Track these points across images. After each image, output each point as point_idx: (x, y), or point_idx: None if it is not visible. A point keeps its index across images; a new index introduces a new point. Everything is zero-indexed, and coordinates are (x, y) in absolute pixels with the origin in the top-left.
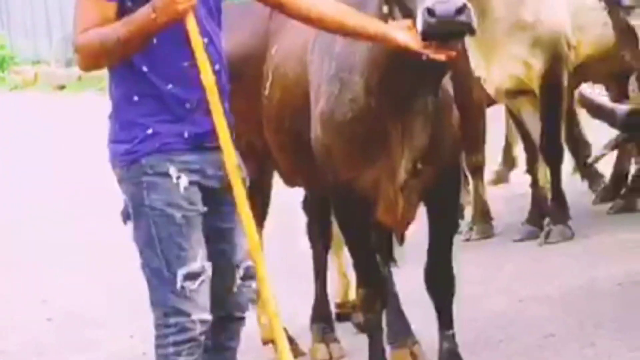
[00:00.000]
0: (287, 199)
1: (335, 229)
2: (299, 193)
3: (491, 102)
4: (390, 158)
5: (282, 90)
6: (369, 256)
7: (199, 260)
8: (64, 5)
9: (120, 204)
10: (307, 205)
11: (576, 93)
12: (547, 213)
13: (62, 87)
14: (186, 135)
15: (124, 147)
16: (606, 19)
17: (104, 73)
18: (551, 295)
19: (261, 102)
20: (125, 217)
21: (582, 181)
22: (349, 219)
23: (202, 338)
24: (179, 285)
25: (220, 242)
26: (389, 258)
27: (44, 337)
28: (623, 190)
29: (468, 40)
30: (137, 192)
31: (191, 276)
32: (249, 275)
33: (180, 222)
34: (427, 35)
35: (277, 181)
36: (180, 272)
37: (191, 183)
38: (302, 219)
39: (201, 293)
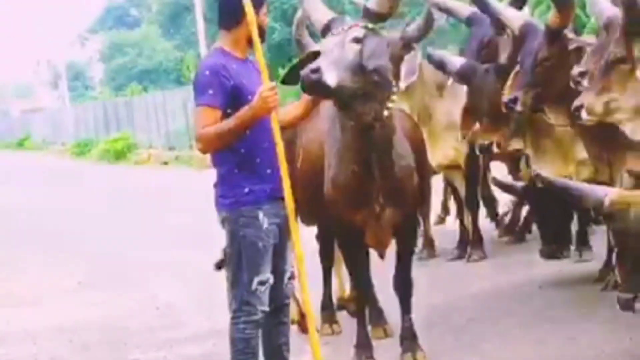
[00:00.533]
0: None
1: (336, 252)
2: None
3: (434, 172)
4: (373, 203)
5: (308, 163)
6: (361, 268)
7: (267, 273)
8: (168, 111)
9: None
10: (319, 238)
11: (489, 176)
12: (470, 242)
13: (166, 163)
14: (268, 190)
15: (229, 200)
16: None
17: (195, 154)
18: (475, 295)
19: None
20: (218, 266)
21: (491, 222)
22: (348, 244)
23: (262, 321)
24: (254, 287)
25: (277, 257)
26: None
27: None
28: (517, 227)
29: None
30: (236, 227)
31: (262, 282)
32: (291, 277)
33: (260, 248)
34: (303, 91)
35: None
36: (256, 280)
37: (270, 224)
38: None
39: (265, 294)
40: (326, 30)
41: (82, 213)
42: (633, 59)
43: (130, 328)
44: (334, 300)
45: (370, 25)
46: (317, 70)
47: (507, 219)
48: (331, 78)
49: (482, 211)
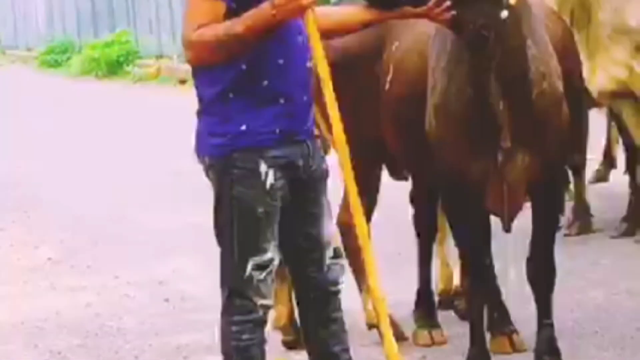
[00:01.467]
0: (395, 193)
1: (441, 220)
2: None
3: (594, 103)
4: (498, 145)
5: (403, 84)
6: (476, 246)
7: (269, 253)
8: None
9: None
10: (415, 198)
11: None
12: None
13: (183, 82)
14: (278, 131)
15: (218, 141)
16: None
17: None
18: None
19: (375, 95)
20: None
21: None
22: (459, 208)
23: (266, 319)
24: (247, 273)
25: (308, 226)
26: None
27: (161, 318)
28: None
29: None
30: (225, 181)
31: (260, 267)
32: (338, 254)
33: (260, 216)
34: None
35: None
36: (251, 262)
37: (278, 178)
38: (408, 212)
39: (266, 282)
40: None
41: (56, 156)
42: None
43: (124, 329)
44: (435, 293)
45: None
46: None
47: None
48: None
49: None
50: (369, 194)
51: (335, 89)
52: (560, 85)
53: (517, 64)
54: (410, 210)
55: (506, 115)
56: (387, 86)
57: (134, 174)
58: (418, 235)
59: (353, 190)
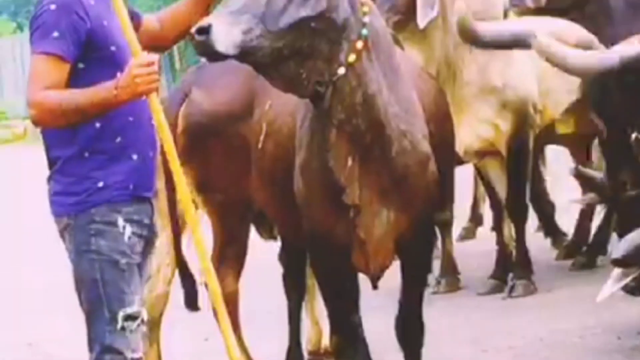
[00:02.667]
0: (264, 253)
1: (309, 279)
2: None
3: (460, 161)
4: (363, 204)
5: (275, 144)
6: (343, 303)
7: (137, 304)
8: None
9: None
10: (284, 257)
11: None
12: (512, 268)
13: None
14: (131, 187)
15: (74, 199)
16: (570, 86)
17: None
18: (514, 346)
19: (245, 155)
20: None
21: (546, 238)
22: (326, 267)
23: None
24: (119, 325)
25: None
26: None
27: None
28: (584, 248)
29: None
30: (85, 237)
31: (131, 317)
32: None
33: (123, 268)
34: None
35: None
36: (122, 313)
37: (133, 234)
38: (277, 271)
39: (137, 333)
40: None
41: None
42: None
43: None
44: (305, 352)
45: None
46: (206, 29)
47: (568, 234)
48: (224, 40)
49: (532, 220)
50: (236, 249)
51: (205, 150)
52: (425, 144)
53: (366, 120)
54: (280, 269)
55: (355, 172)
56: (259, 145)
57: (2, 232)
58: (287, 294)
59: (202, 251)
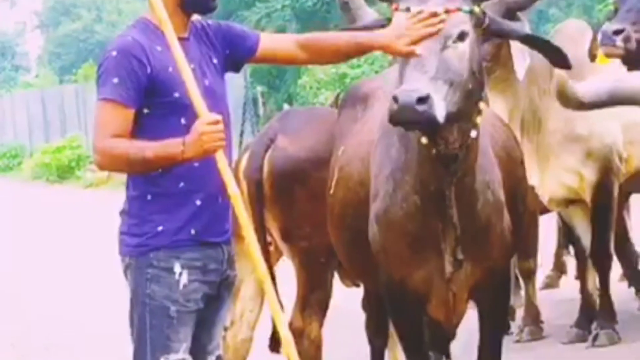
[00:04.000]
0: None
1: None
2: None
3: (544, 209)
4: (439, 255)
5: (346, 190)
6: (421, 354)
7: (181, 353)
8: None
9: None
10: (366, 303)
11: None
12: (595, 317)
13: None
14: (193, 232)
15: (136, 241)
16: None
17: None
18: None
19: (326, 202)
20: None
21: (630, 287)
22: (402, 317)
23: None
24: None
25: (199, 329)
26: (443, 354)
27: None
28: None
29: (524, 150)
30: (141, 281)
31: None
32: None
33: (173, 315)
34: (392, 121)
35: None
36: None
37: (192, 280)
38: (361, 317)
39: None
40: None
41: (8, 259)
42: None
43: None
44: None
45: (476, 6)
46: (425, 100)
47: None
48: (441, 110)
49: (616, 269)
50: (320, 295)
51: (290, 196)
52: (501, 193)
53: (471, 177)
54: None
55: (458, 227)
56: (331, 190)
57: (86, 277)
58: (370, 340)
59: (274, 302)
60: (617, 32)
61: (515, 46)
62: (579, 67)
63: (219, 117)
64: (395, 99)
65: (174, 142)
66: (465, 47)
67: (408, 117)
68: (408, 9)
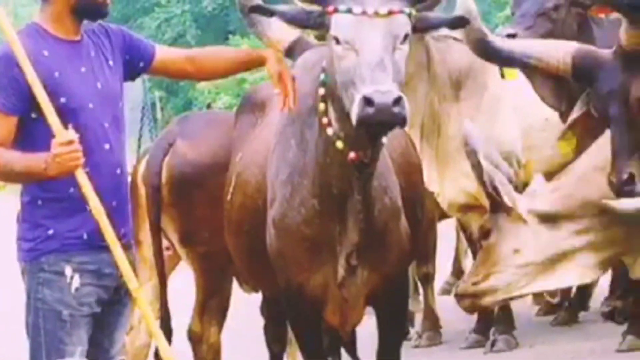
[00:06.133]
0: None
1: (291, 331)
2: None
3: (443, 215)
4: (335, 259)
5: (243, 196)
6: (320, 358)
7: (77, 356)
8: None
9: None
10: (265, 309)
11: None
12: (494, 323)
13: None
14: (85, 236)
15: (28, 245)
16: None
17: None
18: None
19: (224, 208)
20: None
21: None
22: (301, 322)
23: None
24: None
25: (100, 334)
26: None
27: None
28: (566, 304)
29: (424, 156)
30: (33, 285)
31: None
32: None
33: (65, 319)
34: (363, 123)
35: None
36: None
37: (84, 284)
38: (260, 323)
39: None
40: None
41: None
42: None
43: None
44: None
45: (413, 9)
46: (399, 101)
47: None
48: (409, 112)
49: None
50: (219, 300)
51: (188, 201)
52: (399, 199)
53: (370, 182)
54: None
55: (350, 226)
56: (229, 197)
57: None
58: (269, 346)
59: (148, 318)
60: (509, 37)
61: None
62: (482, 74)
63: (73, 137)
64: (368, 100)
65: (37, 160)
66: (407, 49)
67: (384, 119)
68: (350, 10)
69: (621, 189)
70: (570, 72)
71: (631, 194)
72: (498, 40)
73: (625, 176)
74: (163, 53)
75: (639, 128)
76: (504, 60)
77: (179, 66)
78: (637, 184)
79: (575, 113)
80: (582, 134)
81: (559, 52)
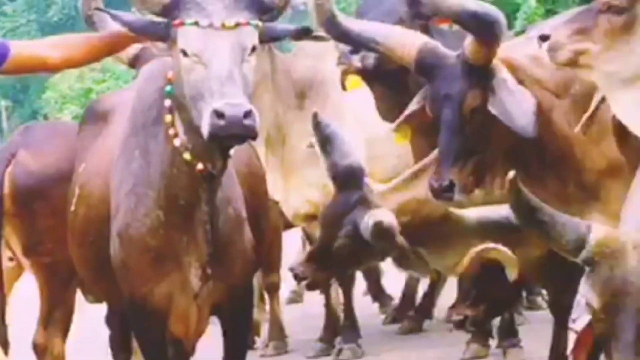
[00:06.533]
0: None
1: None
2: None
3: (289, 224)
4: (181, 270)
5: (87, 207)
6: None
7: None
8: None
9: None
10: (110, 319)
11: None
12: (340, 332)
13: None
14: None
15: None
16: (400, 150)
17: None
18: None
19: (67, 219)
20: None
21: (373, 302)
22: (145, 333)
23: None
24: None
25: None
26: None
27: None
28: (411, 312)
29: (269, 166)
30: None
31: None
32: None
33: None
34: (214, 137)
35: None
36: None
37: None
38: (105, 333)
39: None
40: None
41: None
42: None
43: None
44: None
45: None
46: (250, 114)
47: (395, 299)
48: (259, 124)
49: (360, 284)
50: (63, 311)
51: (31, 212)
52: (243, 209)
53: (215, 193)
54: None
55: (196, 237)
56: (72, 208)
57: None
58: (114, 356)
59: None
60: (353, 51)
61: None
62: (323, 85)
63: None
64: (218, 113)
65: None
66: (254, 60)
67: (235, 132)
68: (196, 23)
69: (440, 195)
70: (413, 65)
71: (450, 200)
72: (349, 21)
73: (446, 182)
74: (18, 48)
75: (466, 136)
76: (352, 41)
77: (37, 60)
78: (455, 192)
79: (412, 106)
80: (416, 128)
81: (406, 43)
